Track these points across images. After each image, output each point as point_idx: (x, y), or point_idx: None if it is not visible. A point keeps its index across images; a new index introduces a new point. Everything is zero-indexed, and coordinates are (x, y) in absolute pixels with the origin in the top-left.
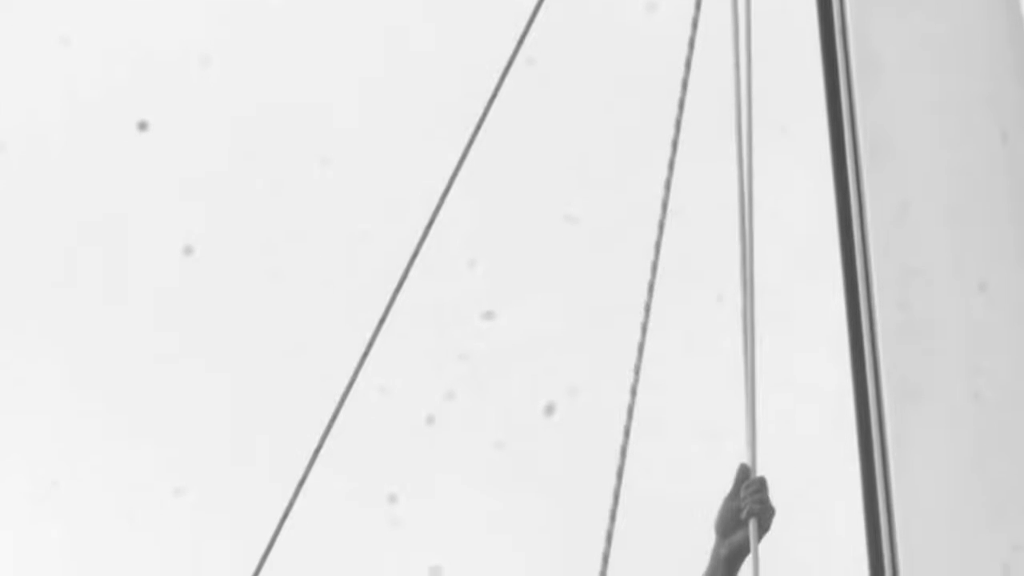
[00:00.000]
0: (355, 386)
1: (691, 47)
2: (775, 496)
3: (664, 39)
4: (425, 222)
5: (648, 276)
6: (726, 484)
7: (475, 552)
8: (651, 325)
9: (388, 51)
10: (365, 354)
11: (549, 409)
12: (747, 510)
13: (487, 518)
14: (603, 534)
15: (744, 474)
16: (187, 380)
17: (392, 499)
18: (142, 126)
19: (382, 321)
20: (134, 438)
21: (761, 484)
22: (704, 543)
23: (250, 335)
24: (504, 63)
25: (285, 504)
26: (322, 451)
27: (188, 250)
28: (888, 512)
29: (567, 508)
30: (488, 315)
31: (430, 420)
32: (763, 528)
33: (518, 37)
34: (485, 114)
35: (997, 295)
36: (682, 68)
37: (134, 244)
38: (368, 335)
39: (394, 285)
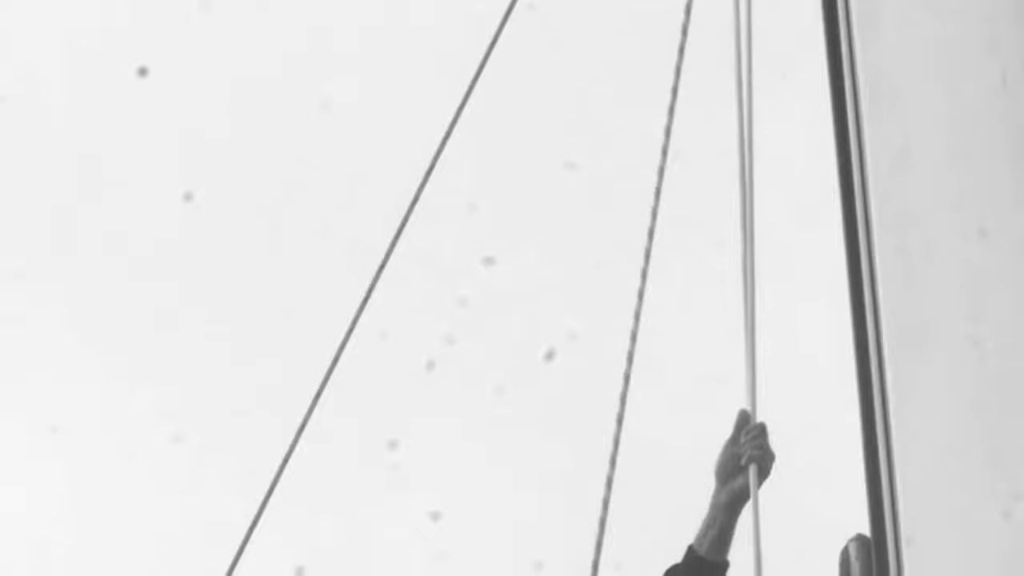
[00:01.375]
0: (355, 331)
1: None
2: (775, 442)
3: None
4: (425, 167)
5: (648, 222)
6: (726, 430)
7: (475, 498)
8: (651, 271)
9: None
10: (365, 299)
11: (549, 355)
12: (747, 456)
13: (487, 464)
14: (603, 480)
15: (744, 420)
16: (186, 326)
17: (392, 445)
18: (142, 72)
19: (382, 266)
20: (134, 384)
21: (761, 430)
22: (704, 489)
23: (250, 280)
24: (505, 8)
25: (285, 450)
26: (322, 397)
27: (188, 196)
28: (888, 459)
29: (567, 454)
30: (488, 261)
31: (430, 365)
32: (763, 474)
33: None
34: (485, 59)
35: (997, 240)
36: (682, 13)
37: (134, 191)
38: (368, 280)
39: (394, 230)
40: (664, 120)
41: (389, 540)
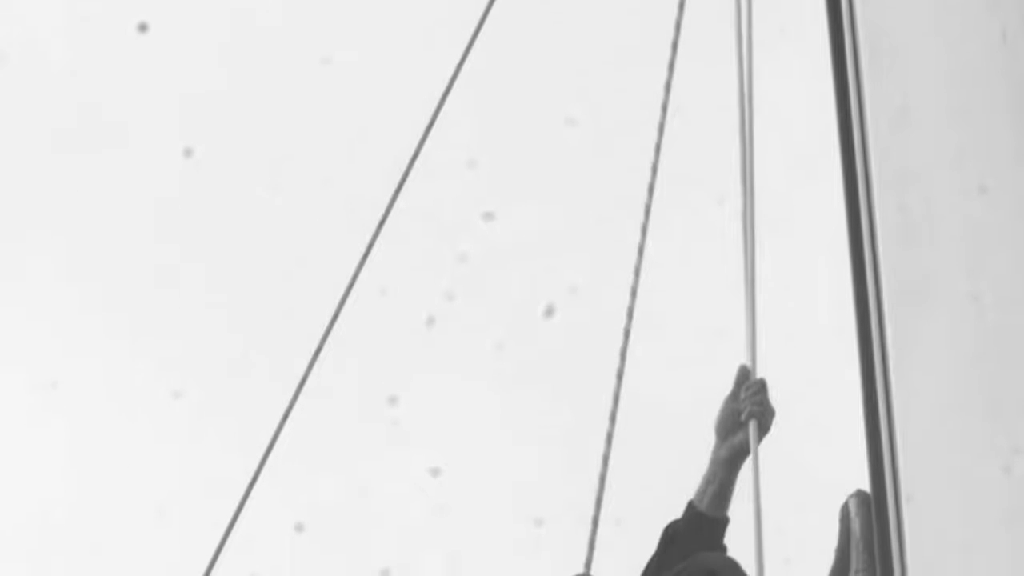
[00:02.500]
0: (355, 287)
1: None
2: (775, 398)
3: None
4: (426, 123)
5: (648, 178)
6: (726, 386)
7: (475, 453)
8: (651, 227)
9: None
10: (365, 255)
11: (549, 310)
12: (747, 412)
13: (487, 419)
14: (603, 436)
15: (744, 376)
16: (187, 282)
17: (392, 401)
18: (142, 28)
19: (382, 222)
20: (134, 340)
21: (761, 386)
22: (704, 444)
23: (250, 236)
24: None
25: (285, 406)
26: (322, 353)
27: (188, 152)
28: (888, 414)
29: (567, 409)
30: (488, 216)
31: (430, 321)
32: (763, 429)
33: None
34: (486, 14)
35: (997, 197)
36: None
37: (135, 147)
38: (368, 236)
39: (394, 186)
40: (664, 76)
41: (389, 496)
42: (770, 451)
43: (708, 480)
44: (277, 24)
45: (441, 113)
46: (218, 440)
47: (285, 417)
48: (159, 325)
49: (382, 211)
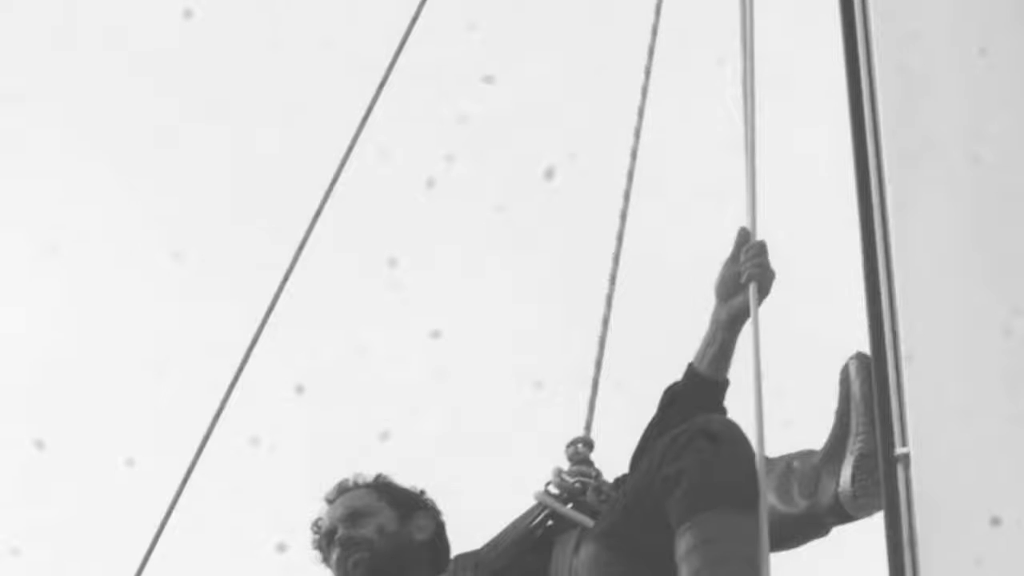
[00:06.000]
0: (356, 148)
1: None
2: (775, 260)
3: None
4: None
5: (648, 39)
6: (726, 248)
7: (475, 316)
8: (651, 88)
9: None
10: (366, 116)
11: (549, 172)
12: (747, 274)
13: (487, 281)
14: (603, 298)
15: (744, 238)
16: (186, 142)
17: (392, 262)
18: None
19: (383, 84)
20: (134, 200)
21: (761, 248)
22: (704, 307)
23: (250, 96)
24: None
25: (285, 267)
26: (322, 214)
27: (188, 13)
28: (888, 276)
29: (567, 272)
30: (488, 78)
31: (430, 183)
32: (763, 291)
33: None
34: None
35: (997, 59)
36: None
37: (134, 6)
38: (369, 97)
39: (395, 47)
40: None
41: (389, 358)
42: (770, 313)
43: (708, 342)
44: None
45: None
46: (218, 301)
47: (285, 278)
48: (159, 184)
49: (383, 72)
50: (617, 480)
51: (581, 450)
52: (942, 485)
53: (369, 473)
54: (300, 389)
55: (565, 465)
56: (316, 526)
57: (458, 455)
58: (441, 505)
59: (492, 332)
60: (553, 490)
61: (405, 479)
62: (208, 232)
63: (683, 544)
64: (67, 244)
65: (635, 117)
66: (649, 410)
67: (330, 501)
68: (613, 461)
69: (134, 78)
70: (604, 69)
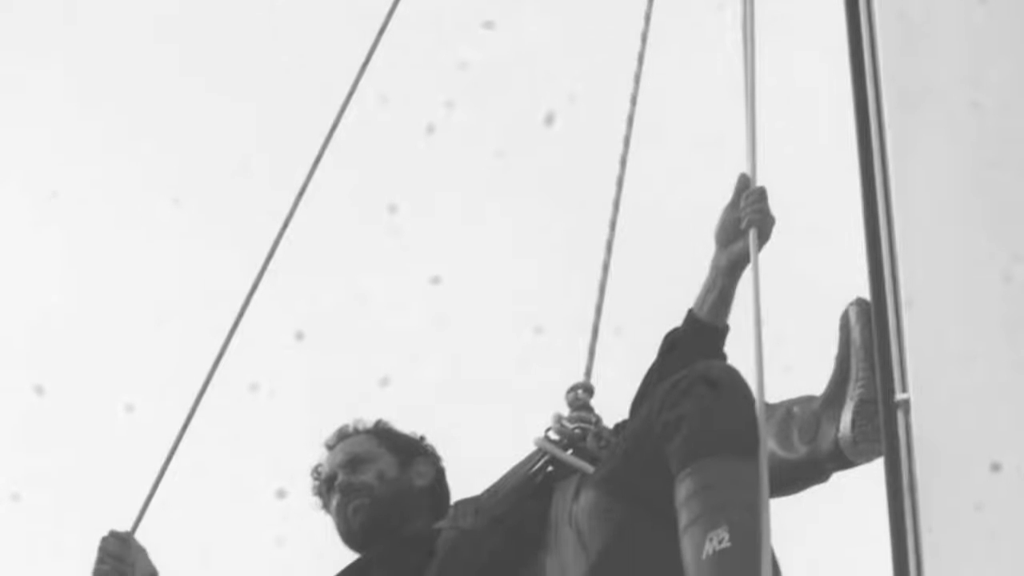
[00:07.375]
0: (355, 94)
1: None
2: (774, 206)
3: None
4: None
5: None
6: (726, 194)
7: (475, 262)
8: (651, 34)
9: None
10: (366, 62)
11: (549, 118)
12: (747, 219)
13: (487, 228)
14: (603, 244)
15: (744, 184)
16: (185, 90)
17: (392, 209)
18: None
19: (383, 29)
20: (133, 148)
21: (761, 194)
22: (704, 253)
23: (249, 42)
24: None
25: (285, 213)
26: (322, 160)
27: None
28: (888, 222)
29: (567, 218)
30: (488, 24)
31: (430, 129)
32: (762, 237)
33: None
34: None
35: (997, 5)
36: None
37: None
38: (369, 43)
39: None
40: None
41: (389, 304)
42: (770, 259)
43: (708, 288)
44: None
45: None
46: (218, 247)
47: (285, 224)
48: (158, 131)
49: (382, 18)
50: (617, 426)
51: (581, 396)
52: (942, 431)
53: (369, 419)
54: (300, 335)
55: (565, 411)
56: (316, 472)
57: (458, 401)
58: (441, 451)
59: (492, 278)
60: (553, 436)
61: (405, 425)
62: (208, 178)
63: (683, 490)
64: (67, 190)
65: (635, 63)
66: (649, 356)
67: (330, 447)
68: (613, 407)
69: (134, 27)
70: (603, 15)
